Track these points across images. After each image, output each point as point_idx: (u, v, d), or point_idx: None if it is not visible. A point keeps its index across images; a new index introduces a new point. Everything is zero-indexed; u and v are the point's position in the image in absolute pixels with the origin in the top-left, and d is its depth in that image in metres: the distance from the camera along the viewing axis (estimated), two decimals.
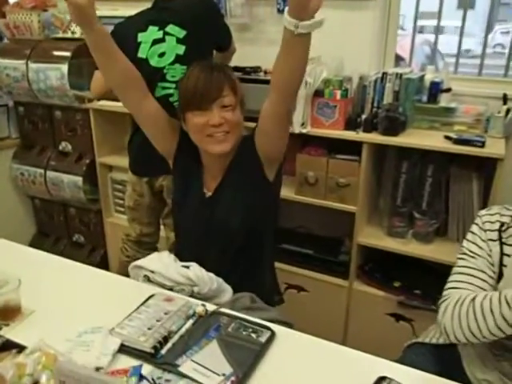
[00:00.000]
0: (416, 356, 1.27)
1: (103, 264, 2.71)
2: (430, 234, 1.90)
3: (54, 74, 2.28)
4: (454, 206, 1.90)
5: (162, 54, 1.79)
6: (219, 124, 1.22)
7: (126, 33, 1.81)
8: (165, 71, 1.80)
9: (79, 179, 2.50)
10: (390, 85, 1.87)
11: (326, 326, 2.16)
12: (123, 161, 2.16)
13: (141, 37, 1.79)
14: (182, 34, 1.77)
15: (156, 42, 1.78)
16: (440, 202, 1.88)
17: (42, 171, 2.61)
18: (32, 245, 2.91)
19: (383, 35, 2.08)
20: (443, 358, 1.25)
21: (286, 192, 2.05)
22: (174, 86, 1.82)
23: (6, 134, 2.72)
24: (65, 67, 2.26)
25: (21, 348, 1.01)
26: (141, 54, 1.81)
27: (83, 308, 1.21)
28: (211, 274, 1.27)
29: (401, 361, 1.30)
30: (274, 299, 1.47)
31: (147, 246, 2.11)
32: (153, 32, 1.78)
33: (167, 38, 1.77)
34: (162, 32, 1.77)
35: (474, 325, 1.02)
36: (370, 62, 2.07)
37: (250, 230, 1.32)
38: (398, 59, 2.30)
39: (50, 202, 2.81)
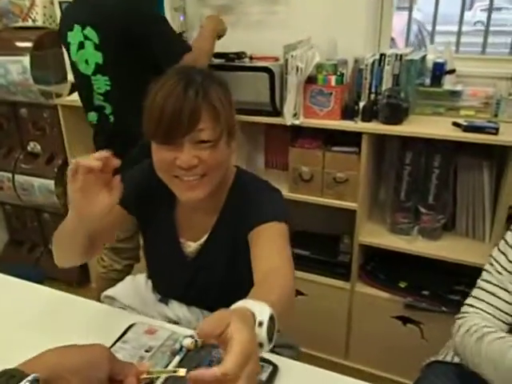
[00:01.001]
0: (437, 377, 1.12)
1: (83, 273, 2.52)
2: (438, 229, 1.75)
3: (14, 68, 2.05)
4: (462, 198, 1.74)
5: (86, 61, 1.59)
6: (189, 167, 0.89)
7: (61, 29, 1.65)
8: (92, 81, 1.61)
9: (51, 183, 2.29)
10: (389, 67, 1.69)
11: (327, 333, 2.02)
12: None
13: (69, 37, 1.59)
14: (96, 38, 1.53)
15: (80, 45, 1.57)
16: (448, 195, 1.72)
17: (10, 175, 2.39)
18: (5, 254, 2.70)
19: (378, 12, 1.88)
20: (468, 377, 1.10)
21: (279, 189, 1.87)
22: (102, 98, 1.62)
23: None
24: (26, 59, 2.03)
25: None
26: (72, 57, 1.63)
27: (46, 345, 1.03)
28: (195, 310, 1.09)
29: (420, 383, 1.15)
30: None
31: (126, 254, 1.89)
32: (77, 33, 1.57)
33: (86, 43, 1.56)
34: (82, 35, 1.56)
35: (481, 370, 0.97)
36: (364, 42, 1.89)
37: (239, 280, 1.01)
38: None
39: (22, 207, 2.59)
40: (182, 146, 0.88)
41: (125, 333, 1.03)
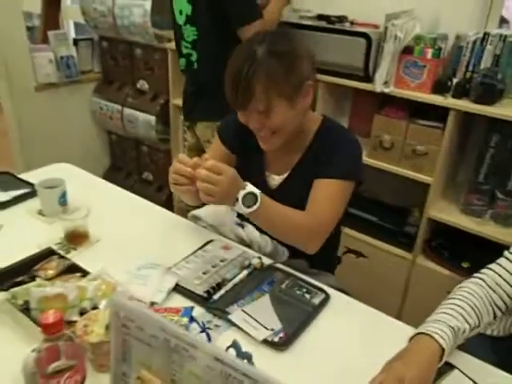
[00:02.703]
0: (473, 346, 1.18)
1: (168, 204, 2.79)
2: None
3: (137, 11, 2.29)
4: None
5: (180, 11, 1.73)
6: (258, 129, 1.10)
7: None
8: (182, 31, 1.77)
9: (152, 118, 2.55)
10: (491, 47, 1.67)
11: (381, 297, 2.09)
12: None
13: None
14: None
15: None
16: None
17: (120, 107, 2.68)
18: (105, 177, 3.05)
19: None
20: (504, 350, 1.15)
21: None
22: (190, 46, 1.77)
23: (89, 67, 2.81)
24: (148, 4, 2.25)
25: (84, 273, 1.06)
26: (173, 4, 1.78)
27: (145, 244, 1.25)
28: (266, 237, 1.24)
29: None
30: (332, 267, 1.42)
31: None
32: None
33: None
34: None
35: None
36: (470, 20, 1.86)
37: None
38: (501, 22, 2.03)
39: (125, 138, 2.91)
40: (248, 114, 1.08)
41: (205, 245, 1.23)
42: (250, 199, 1.04)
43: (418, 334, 0.89)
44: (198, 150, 2.00)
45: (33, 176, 1.50)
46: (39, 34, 2.78)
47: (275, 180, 1.24)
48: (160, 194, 2.82)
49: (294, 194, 1.18)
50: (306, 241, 1.13)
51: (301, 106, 1.09)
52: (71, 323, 0.91)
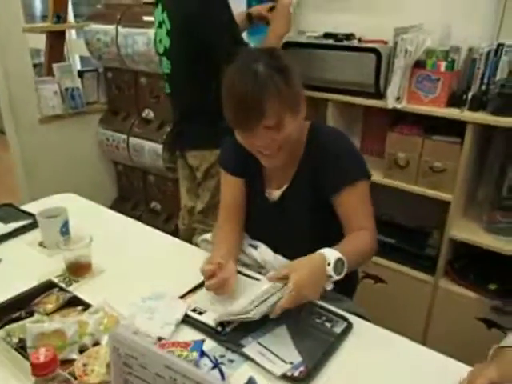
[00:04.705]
0: None
1: (176, 234, 2.71)
2: None
3: (141, 39, 2.28)
4: None
5: (160, 40, 1.69)
6: (265, 146, 1.05)
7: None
8: (161, 60, 1.73)
9: (159, 147, 2.51)
10: (506, 58, 1.61)
11: (403, 324, 1.96)
12: None
13: (155, 12, 1.69)
14: (168, 25, 1.61)
15: (159, 24, 1.66)
16: None
17: (125, 137, 2.65)
18: (112, 207, 2.99)
19: (501, 1, 1.79)
20: None
21: (373, 175, 1.88)
22: (165, 77, 1.74)
23: (95, 98, 2.80)
24: (151, 32, 2.23)
25: (86, 306, 0.99)
26: (155, 30, 1.74)
27: (151, 273, 1.18)
28: (280, 258, 1.17)
29: None
30: (349, 290, 1.33)
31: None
32: (158, 12, 1.66)
33: (163, 25, 1.64)
34: (161, 16, 1.64)
35: None
36: (482, 31, 1.81)
37: (321, 229, 1.16)
38: None
39: (132, 168, 2.86)
40: (255, 133, 1.01)
41: None
42: (340, 267, 0.96)
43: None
44: (191, 180, 1.91)
45: (35, 207, 1.45)
46: (44, 67, 2.79)
47: (275, 194, 1.20)
48: (169, 223, 2.75)
49: (293, 204, 1.17)
50: (373, 254, 1.13)
51: (300, 116, 1.08)
52: (71, 362, 0.83)
